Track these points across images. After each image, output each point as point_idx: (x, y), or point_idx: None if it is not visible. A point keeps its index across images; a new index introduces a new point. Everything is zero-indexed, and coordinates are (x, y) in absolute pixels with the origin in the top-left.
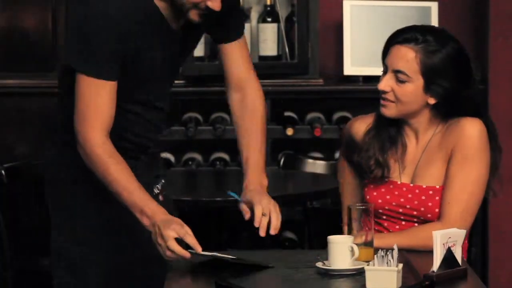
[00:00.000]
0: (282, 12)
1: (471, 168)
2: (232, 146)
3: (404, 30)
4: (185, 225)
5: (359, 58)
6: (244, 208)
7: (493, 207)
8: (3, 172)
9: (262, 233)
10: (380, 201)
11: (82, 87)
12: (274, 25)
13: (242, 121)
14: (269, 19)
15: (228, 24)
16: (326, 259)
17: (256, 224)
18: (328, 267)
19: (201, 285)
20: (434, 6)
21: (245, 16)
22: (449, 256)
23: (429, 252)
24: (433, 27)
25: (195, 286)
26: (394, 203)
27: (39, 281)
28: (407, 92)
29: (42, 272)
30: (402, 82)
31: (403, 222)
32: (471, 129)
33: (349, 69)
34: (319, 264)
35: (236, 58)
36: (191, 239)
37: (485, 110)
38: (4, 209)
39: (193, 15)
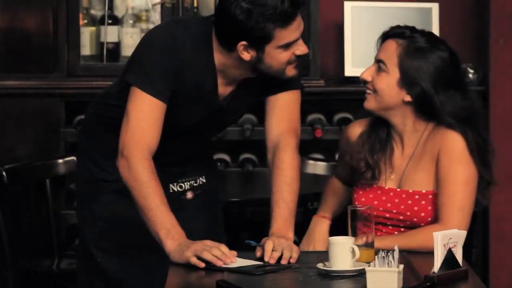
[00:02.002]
0: None
1: (459, 169)
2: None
3: (399, 26)
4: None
5: (360, 59)
6: (258, 249)
7: (493, 208)
8: (3, 173)
9: (266, 258)
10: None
11: (138, 103)
12: None
13: (273, 178)
14: None
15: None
16: (327, 260)
17: (265, 258)
18: (329, 268)
19: (201, 285)
20: (435, 7)
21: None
22: (449, 257)
23: (430, 253)
24: (433, 34)
25: (195, 285)
26: (381, 209)
27: (39, 281)
28: (383, 82)
29: (42, 272)
30: (380, 71)
31: (390, 227)
32: (454, 137)
33: (350, 70)
34: (320, 265)
35: (278, 112)
36: (226, 249)
37: (478, 123)
38: (5, 210)
39: (291, 71)
